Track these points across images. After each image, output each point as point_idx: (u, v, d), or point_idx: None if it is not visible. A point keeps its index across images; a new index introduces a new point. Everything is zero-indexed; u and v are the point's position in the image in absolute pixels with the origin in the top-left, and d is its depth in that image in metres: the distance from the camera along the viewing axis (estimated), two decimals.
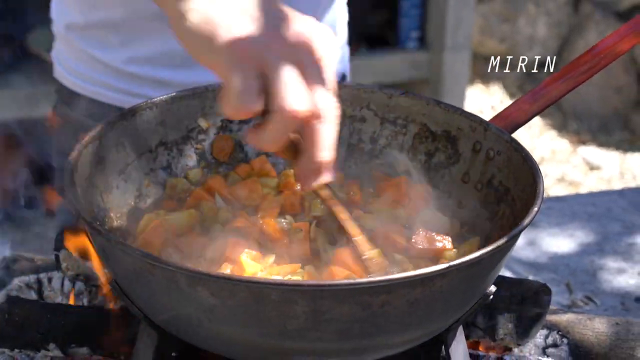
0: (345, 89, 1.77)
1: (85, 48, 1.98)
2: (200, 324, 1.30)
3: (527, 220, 1.35)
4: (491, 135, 1.62)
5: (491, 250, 1.29)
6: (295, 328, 1.25)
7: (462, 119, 1.67)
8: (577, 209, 2.28)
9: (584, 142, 4.79)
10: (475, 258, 1.27)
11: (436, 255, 1.49)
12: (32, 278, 1.78)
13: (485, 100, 4.99)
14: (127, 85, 1.96)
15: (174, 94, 1.69)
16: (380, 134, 1.76)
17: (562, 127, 4.83)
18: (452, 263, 1.25)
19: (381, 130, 1.75)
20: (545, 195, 3.98)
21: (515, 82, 5.14)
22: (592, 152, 4.72)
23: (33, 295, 1.77)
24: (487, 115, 4.91)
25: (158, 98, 1.68)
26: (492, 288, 1.41)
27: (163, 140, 1.69)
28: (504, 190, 1.57)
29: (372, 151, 1.76)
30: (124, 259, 1.31)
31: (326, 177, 1.29)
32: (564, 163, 4.62)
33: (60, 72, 2.08)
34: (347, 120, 1.76)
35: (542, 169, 4.60)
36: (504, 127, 1.63)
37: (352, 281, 1.22)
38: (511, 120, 1.64)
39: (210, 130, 1.74)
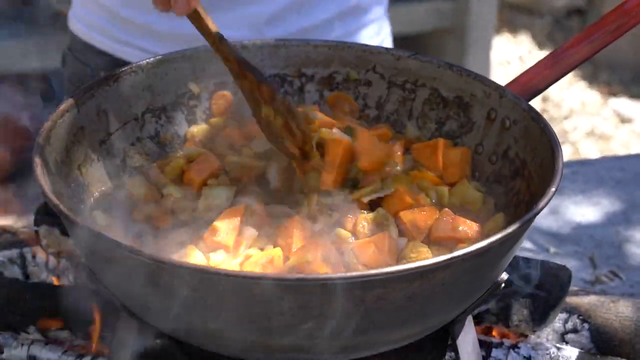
0: (350, 50, 1.63)
1: None
2: (179, 318, 1.18)
3: (542, 203, 1.21)
4: (507, 103, 1.48)
5: (501, 239, 1.15)
6: (282, 324, 1.13)
7: (476, 84, 1.52)
8: (604, 174, 2.13)
9: (615, 94, 4.59)
10: (482, 248, 1.13)
11: (458, 242, 1.34)
12: (15, 252, 1.67)
13: (512, 51, 4.80)
14: (121, 32, 1.88)
15: (161, 56, 1.56)
16: (387, 100, 1.62)
17: (592, 78, 4.64)
18: (455, 254, 1.12)
19: (388, 96, 1.62)
20: (572, 153, 3.76)
21: (544, 31, 4.94)
22: (624, 104, 4.54)
23: (17, 271, 1.66)
24: (514, 67, 4.72)
25: (144, 61, 1.55)
26: (504, 275, 1.28)
27: (150, 106, 1.56)
28: (520, 164, 1.43)
29: (378, 118, 1.62)
30: (95, 246, 1.19)
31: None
32: (594, 115, 4.44)
33: (70, 18, 2.03)
34: (352, 84, 1.63)
35: (571, 121, 4.42)
36: (521, 94, 1.48)
37: (343, 275, 1.09)
38: (529, 86, 1.49)
39: (202, 95, 1.61)
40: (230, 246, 1.31)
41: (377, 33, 2.00)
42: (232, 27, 1.78)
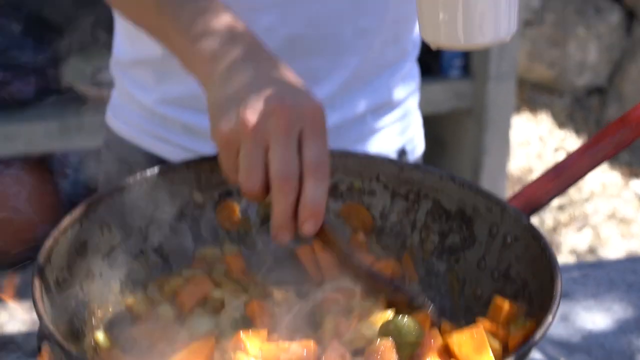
0: (354, 159, 1.63)
1: (127, 86, 1.91)
2: None
3: (538, 335, 1.20)
4: (508, 218, 1.47)
5: None
6: None
7: (478, 198, 1.52)
8: (615, 276, 2.09)
9: (636, 175, 4.58)
10: None
11: None
12: None
13: (532, 130, 4.80)
14: (157, 128, 1.87)
15: (165, 165, 1.57)
16: (391, 210, 1.61)
17: (613, 159, 4.63)
18: None
19: (392, 206, 1.61)
20: (593, 238, 3.69)
21: (564, 111, 4.94)
22: None
23: None
24: (534, 148, 4.69)
25: (149, 172, 1.56)
26: None
27: (154, 218, 1.56)
28: (521, 284, 1.42)
29: (382, 229, 1.62)
30: None
31: (308, 226, 1.31)
32: (615, 198, 4.42)
33: (108, 114, 2.01)
34: (356, 194, 1.63)
35: (592, 204, 4.39)
36: (523, 209, 1.47)
37: None
38: (532, 200, 1.49)
39: (206, 205, 1.61)
40: None
41: (409, 126, 1.99)
42: None
